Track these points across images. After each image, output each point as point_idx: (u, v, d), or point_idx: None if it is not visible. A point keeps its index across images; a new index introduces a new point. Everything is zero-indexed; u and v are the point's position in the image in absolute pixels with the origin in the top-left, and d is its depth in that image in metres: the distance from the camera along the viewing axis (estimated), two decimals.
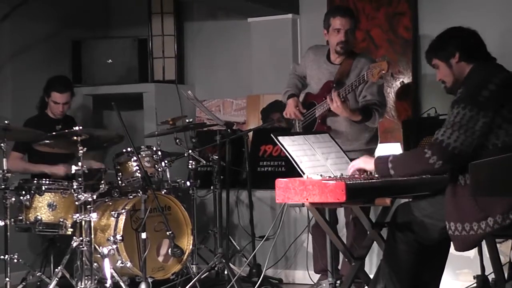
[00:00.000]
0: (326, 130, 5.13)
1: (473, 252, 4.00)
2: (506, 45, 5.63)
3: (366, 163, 3.92)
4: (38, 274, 5.45)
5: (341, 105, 4.92)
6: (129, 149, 5.49)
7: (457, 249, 3.65)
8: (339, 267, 5.21)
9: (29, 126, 5.81)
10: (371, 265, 5.63)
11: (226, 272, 5.56)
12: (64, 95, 5.98)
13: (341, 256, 5.07)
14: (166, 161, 5.71)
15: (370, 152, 5.24)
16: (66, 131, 5.22)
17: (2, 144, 5.14)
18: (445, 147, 3.56)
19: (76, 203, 5.03)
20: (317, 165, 4.03)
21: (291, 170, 4.17)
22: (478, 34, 3.87)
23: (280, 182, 3.84)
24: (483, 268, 4.42)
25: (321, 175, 3.89)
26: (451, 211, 3.63)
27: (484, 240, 3.81)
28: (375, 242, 4.24)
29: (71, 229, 5.40)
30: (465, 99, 3.60)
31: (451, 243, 3.69)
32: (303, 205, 3.84)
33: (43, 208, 5.43)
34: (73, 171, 5.02)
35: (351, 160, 4.24)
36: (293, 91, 5.40)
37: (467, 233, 3.58)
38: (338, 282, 4.83)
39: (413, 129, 5.60)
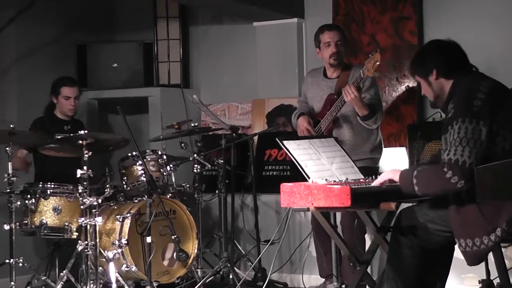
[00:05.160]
0: None
1: None
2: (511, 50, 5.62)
3: (395, 174, 3.77)
4: (43, 278, 5.45)
5: (357, 94, 5.05)
6: (134, 153, 5.51)
7: (470, 264, 3.62)
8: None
9: (37, 126, 5.85)
10: (375, 268, 5.62)
11: (231, 276, 5.55)
12: (74, 89, 6.07)
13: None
14: (171, 165, 5.71)
15: (374, 162, 5.32)
16: (72, 135, 5.23)
17: (7, 148, 5.15)
18: (461, 166, 3.47)
19: (81, 207, 5.03)
20: (322, 170, 4.03)
21: (296, 175, 4.17)
22: (458, 46, 3.80)
23: (285, 186, 3.83)
24: (488, 272, 4.42)
25: (326, 180, 3.88)
26: (459, 228, 3.60)
27: None
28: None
29: (76, 233, 5.40)
30: (460, 113, 3.55)
31: (462, 257, 3.67)
32: (308, 209, 3.84)
33: (48, 212, 5.44)
34: (78, 175, 5.02)
35: (356, 163, 4.25)
36: (302, 111, 5.53)
37: (478, 248, 3.55)
38: (344, 286, 4.82)
39: (418, 133, 5.59)
